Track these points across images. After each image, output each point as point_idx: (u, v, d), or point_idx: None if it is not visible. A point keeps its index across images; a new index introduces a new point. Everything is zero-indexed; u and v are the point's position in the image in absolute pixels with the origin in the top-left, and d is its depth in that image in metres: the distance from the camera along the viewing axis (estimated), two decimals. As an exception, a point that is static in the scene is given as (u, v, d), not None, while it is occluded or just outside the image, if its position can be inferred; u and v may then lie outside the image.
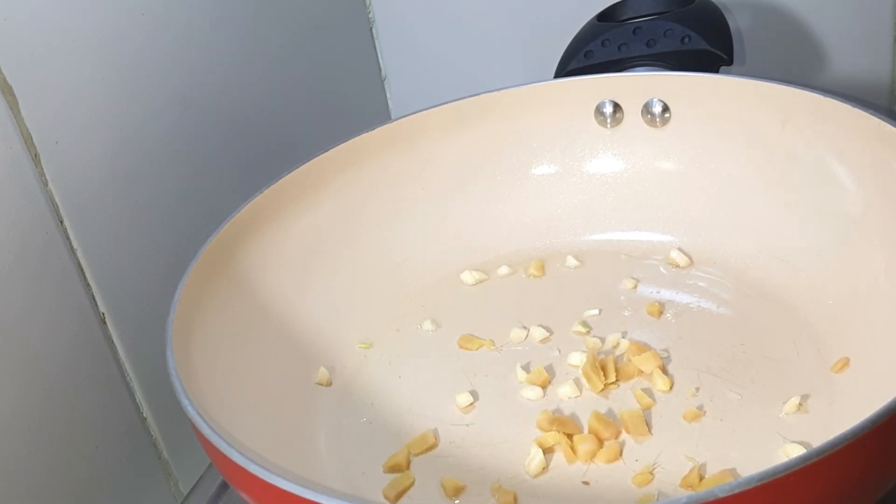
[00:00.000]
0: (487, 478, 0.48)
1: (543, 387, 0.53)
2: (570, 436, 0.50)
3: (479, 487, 0.48)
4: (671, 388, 0.52)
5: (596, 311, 0.59)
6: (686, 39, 0.65)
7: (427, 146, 0.64)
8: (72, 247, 0.53)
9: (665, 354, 0.54)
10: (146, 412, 0.58)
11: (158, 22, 0.59)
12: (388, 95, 0.89)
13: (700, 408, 0.50)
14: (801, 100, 0.57)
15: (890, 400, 0.36)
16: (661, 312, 0.58)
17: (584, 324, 0.58)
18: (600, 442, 0.49)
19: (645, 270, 0.61)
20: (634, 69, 0.66)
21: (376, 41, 0.86)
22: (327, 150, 0.62)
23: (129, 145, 0.57)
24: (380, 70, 0.88)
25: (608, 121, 0.64)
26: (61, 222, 0.52)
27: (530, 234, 0.65)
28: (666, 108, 0.62)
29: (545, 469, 0.48)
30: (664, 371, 0.53)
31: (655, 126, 0.63)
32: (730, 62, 0.66)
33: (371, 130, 0.63)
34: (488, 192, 0.65)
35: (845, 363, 0.50)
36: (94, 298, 0.54)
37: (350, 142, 0.62)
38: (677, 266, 0.61)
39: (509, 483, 0.48)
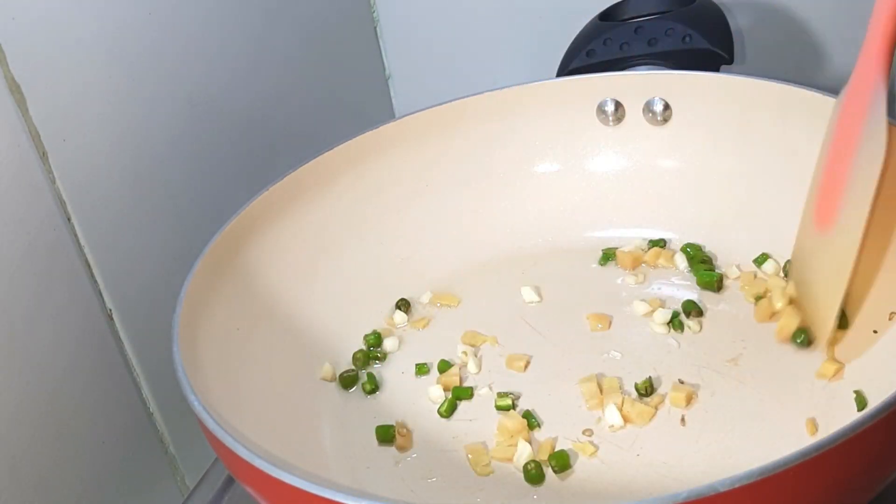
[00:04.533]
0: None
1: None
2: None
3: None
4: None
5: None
6: (687, 38, 0.66)
7: (431, 144, 0.65)
8: (79, 243, 0.53)
9: (666, 350, 0.55)
10: (153, 407, 0.59)
11: (165, 21, 0.59)
12: (392, 94, 0.90)
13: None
14: (801, 98, 0.57)
15: (889, 395, 0.36)
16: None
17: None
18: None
19: (647, 267, 0.62)
20: (636, 68, 0.67)
21: (380, 41, 0.87)
22: (332, 148, 0.62)
23: (136, 143, 0.57)
24: (384, 69, 0.88)
25: (610, 119, 0.64)
26: (69, 219, 0.53)
27: (533, 232, 0.65)
28: (667, 107, 0.63)
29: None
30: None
31: (657, 124, 0.64)
32: (730, 61, 0.66)
33: (375, 128, 0.63)
34: (491, 189, 0.66)
35: (839, 369, 0.50)
36: (101, 294, 0.55)
37: (354, 140, 0.63)
38: (678, 264, 0.61)
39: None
